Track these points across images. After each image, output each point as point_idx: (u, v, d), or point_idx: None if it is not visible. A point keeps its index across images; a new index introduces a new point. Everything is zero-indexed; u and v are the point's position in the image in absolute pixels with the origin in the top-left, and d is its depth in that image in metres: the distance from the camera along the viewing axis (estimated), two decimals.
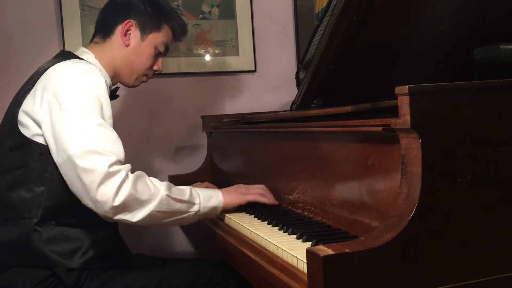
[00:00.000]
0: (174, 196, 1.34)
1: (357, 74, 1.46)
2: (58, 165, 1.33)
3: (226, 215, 1.54)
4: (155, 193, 1.31)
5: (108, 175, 1.24)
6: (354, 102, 1.25)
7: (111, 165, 1.25)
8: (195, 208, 1.39)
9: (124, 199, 1.25)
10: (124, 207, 1.26)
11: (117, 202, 1.24)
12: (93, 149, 1.26)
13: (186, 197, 1.37)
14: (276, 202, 1.55)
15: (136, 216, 1.29)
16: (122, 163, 1.30)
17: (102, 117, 1.35)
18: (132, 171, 1.30)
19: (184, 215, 1.38)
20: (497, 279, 0.94)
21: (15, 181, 1.40)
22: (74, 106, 1.33)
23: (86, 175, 1.24)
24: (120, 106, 2.26)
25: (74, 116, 1.32)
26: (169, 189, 1.34)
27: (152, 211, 1.30)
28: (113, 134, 1.34)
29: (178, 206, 1.35)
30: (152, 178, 1.35)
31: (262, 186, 1.59)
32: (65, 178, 1.31)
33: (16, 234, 1.38)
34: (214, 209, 1.45)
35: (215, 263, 1.58)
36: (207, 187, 1.82)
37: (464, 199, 0.93)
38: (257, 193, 1.55)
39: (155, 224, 1.36)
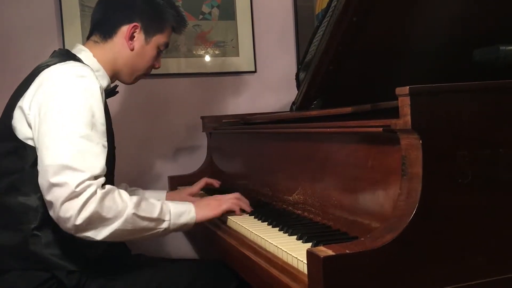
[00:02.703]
0: (141, 214, 1.31)
1: (357, 75, 1.46)
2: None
3: (226, 216, 1.53)
4: (122, 210, 1.27)
5: (74, 194, 1.21)
6: (354, 103, 1.25)
7: (81, 183, 1.22)
8: (164, 225, 1.36)
9: (88, 217, 1.22)
10: (87, 225, 1.24)
11: (79, 221, 1.22)
12: (66, 164, 1.23)
13: (155, 214, 1.34)
14: (249, 210, 1.53)
15: (100, 234, 1.26)
16: (95, 178, 1.26)
17: (93, 125, 1.31)
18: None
19: (152, 232, 1.35)
20: (497, 280, 0.94)
21: (12, 186, 1.38)
22: (62, 114, 1.29)
23: (54, 189, 1.22)
24: (120, 107, 2.26)
25: (58, 124, 1.28)
26: (137, 206, 1.30)
27: (117, 229, 1.27)
28: (95, 148, 1.29)
29: (145, 224, 1.32)
30: (122, 193, 1.31)
31: (237, 194, 1.56)
32: (39, 184, 1.28)
33: (15, 239, 1.36)
34: (185, 225, 1.41)
35: (215, 264, 1.58)
36: (206, 182, 1.83)
37: (464, 200, 0.93)
38: (231, 202, 1.51)
39: (122, 240, 1.33)
